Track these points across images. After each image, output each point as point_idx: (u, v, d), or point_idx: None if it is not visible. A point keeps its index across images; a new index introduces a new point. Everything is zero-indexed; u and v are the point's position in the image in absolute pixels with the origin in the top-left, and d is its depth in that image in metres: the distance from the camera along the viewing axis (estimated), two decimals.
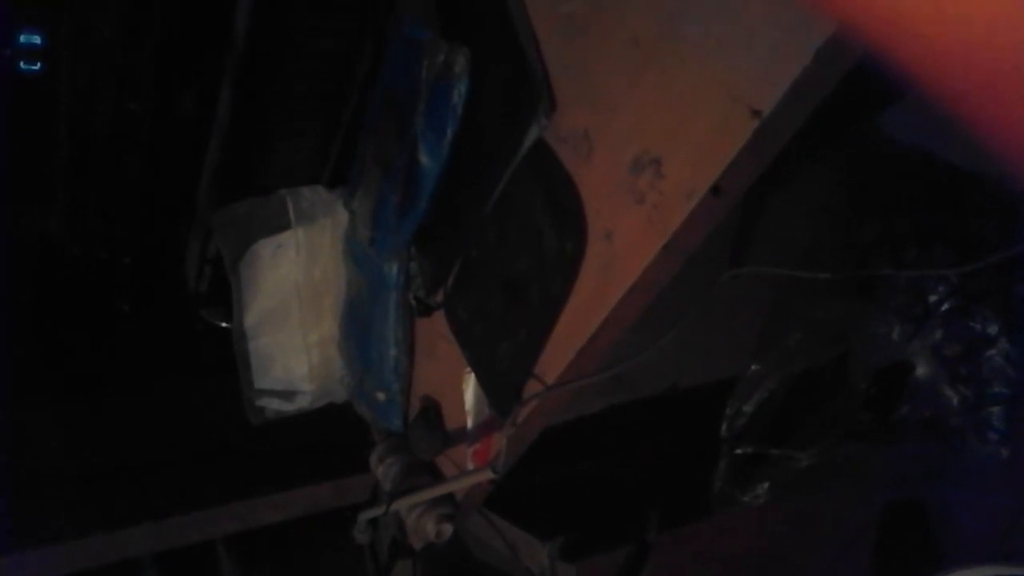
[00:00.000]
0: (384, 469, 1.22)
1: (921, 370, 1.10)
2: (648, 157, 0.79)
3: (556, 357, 0.95)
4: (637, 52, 0.78)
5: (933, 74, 0.26)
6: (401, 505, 1.18)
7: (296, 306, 1.28)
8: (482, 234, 1.00)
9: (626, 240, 0.83)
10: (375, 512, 1.23)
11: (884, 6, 0.25)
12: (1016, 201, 1.15)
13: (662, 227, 0.79)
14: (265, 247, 1.24)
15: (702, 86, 0.72)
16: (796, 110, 0.68)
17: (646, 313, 0.89)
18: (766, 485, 1.10)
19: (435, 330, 1.16)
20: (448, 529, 1.16)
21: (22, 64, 0.91)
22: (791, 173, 1.23)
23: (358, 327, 1.25)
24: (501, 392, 1.02)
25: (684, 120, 0.74)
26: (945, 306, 1.08)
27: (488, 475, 1.00)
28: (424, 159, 0.97)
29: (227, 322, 1.31)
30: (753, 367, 1.12)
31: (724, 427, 1.13)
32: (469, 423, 1.12)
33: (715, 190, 0.74)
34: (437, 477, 1.22)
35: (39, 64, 0.91)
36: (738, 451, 1.13)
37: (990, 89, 0.26)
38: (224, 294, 1.27)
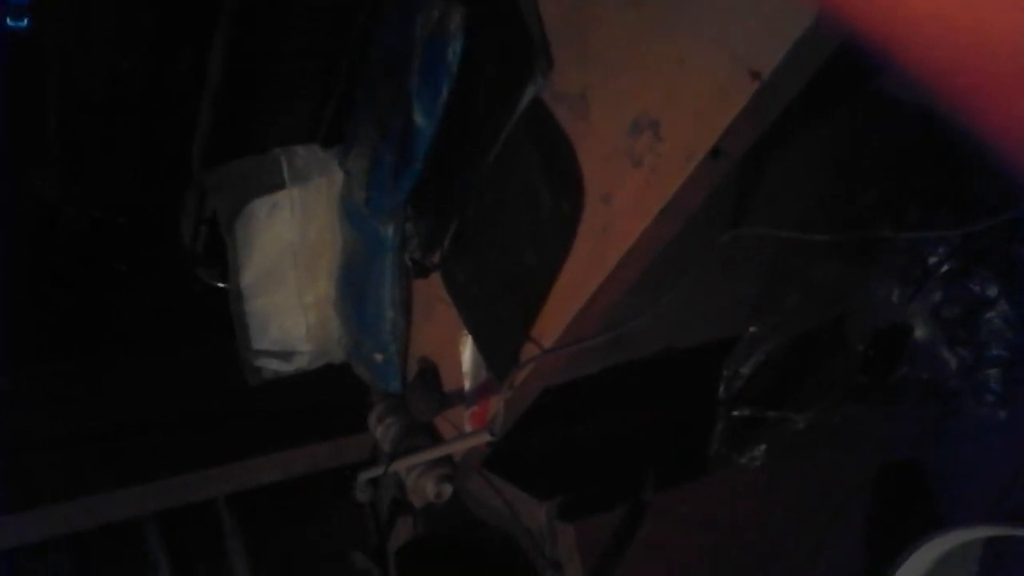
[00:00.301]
0: (383, 430, 1.23)
1: (919, 332, 1.10)
2: (647, 119, 0.78)
3: (553, 320, 0.95)
4: (637, 13, 0.77)
5: (936, 72, 0.27)
6: (400, 466, 1.19)
7: (292, 266, 1.27)
8: (479, 195, 0.99)
9: (624, 203, 0.82)
10: (375, 472, 1.24)
11: (887, 7, 0.25)
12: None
13: (660, 190, 0.78)
14: (260, 207, 1.22)
15: (702, 48, 0.71)
16: (797, 72, 0.67)
17: (644, 275, 0.89)
18: (763, 447, 1.11)
19: (432, 291, 1.16)
20: (447, 489, 1.17)
21: (8, 20, 0.89)
22: (792, 133, 1.21)
23: (354, 288, 1.24)
24: (498, 355, 1.02)
25: (683, 82, 0.73)
26: (945, 268, 1.07)
27: (485, 438, 1.01)
28: (419, 119, 0.96)
29: (224, 282, 1.30)
30: (751, 329, 1.12)
31: (721, 389, 1.13)
32: (467, 385, 1.12)
33: (715, 152, 0.73)
34: (435, 438, 1.22)
35: (26, 20, 0.89)
36: (735, 413, 1.13)
37: (992, 85, 0.26)
38: (221, 254, 1.26)
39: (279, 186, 1.21)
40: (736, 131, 0.70)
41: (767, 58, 0.66)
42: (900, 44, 0.26)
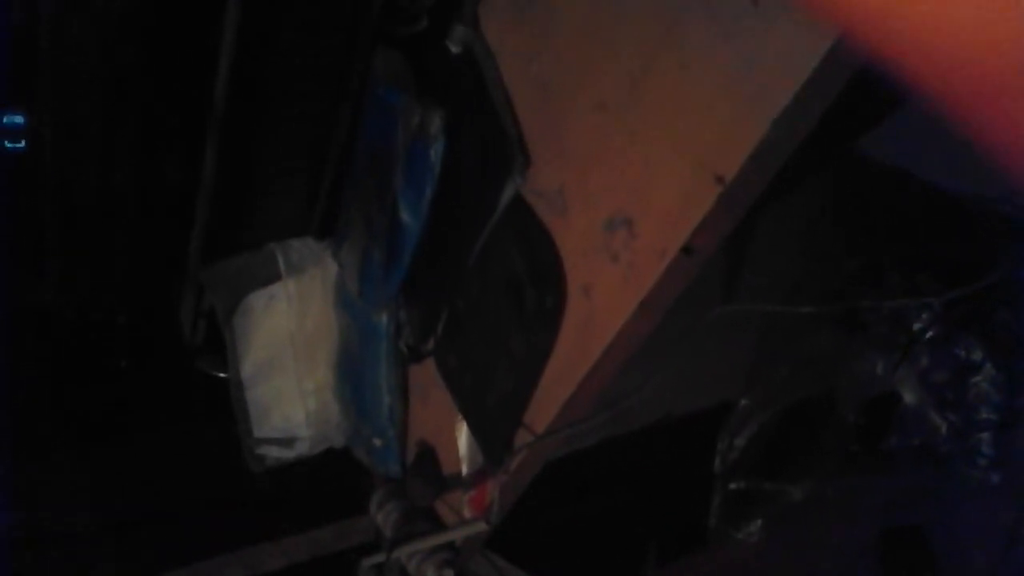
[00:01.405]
0: (383, 516, 1.24)
1: (909, 398, 1.11)
2: (620, 217, 0.80)
3: (544, 406, 0.97)
4: (604, 115, 0.79)
5: (933, 80, 0.26)
6: (402, 552, 1.20)
7: (291, 355, 1.30)
8: (466, 287, 1.01)
9: (604, 296, 0.84)
10: (377, 559, 1.24)
11: (883, 11, 0.26)
12: (996, 221, 1.16)
13: (638, 284, 0.80)
14: (257, 299, 1.25)
15: (667, 151, 0.74)
16: (758, 175, 0.69)
17: (635, 355, 0.91)
18: (759, 521, 1.11)
19: (428, 375, 1.17)
20: (449, 575, 1.17)
21: (6, 143, 0.93)
22: (777, 198, 1.24)
23: (352, 374, 1.26)
24: (492, 441, 1.04)
25: (652, 183, 0.76)
26: (929, 333, 1.09)
27: (481, 527, 1.02)
28: (405, 217, 0.98)
29: (224, 372, 1.32)
30: (743, 401, 1.13)
31: (717, 461, 1.14)
32: (464, 469, 1.13)
33: (686, 250, 0.75)
34: (436, 522, 1.23)
35: (23, 142, 0.93)
36: (732, 486, 1.13)
37: (992, 94, 0.26)
38: (220, 345, 1.29)
39: (275, 278, 1.24)
40: (705, 230, 0.72)
41: (729, 162, 0.68)
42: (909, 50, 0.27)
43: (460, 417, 1.11)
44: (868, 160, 1.28)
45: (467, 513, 1.14)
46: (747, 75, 0.65)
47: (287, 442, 1.36)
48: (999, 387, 1.08)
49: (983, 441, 1.10)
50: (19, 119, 0.92)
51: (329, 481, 1.44)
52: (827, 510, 1.14)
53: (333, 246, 1.21)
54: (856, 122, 1.27)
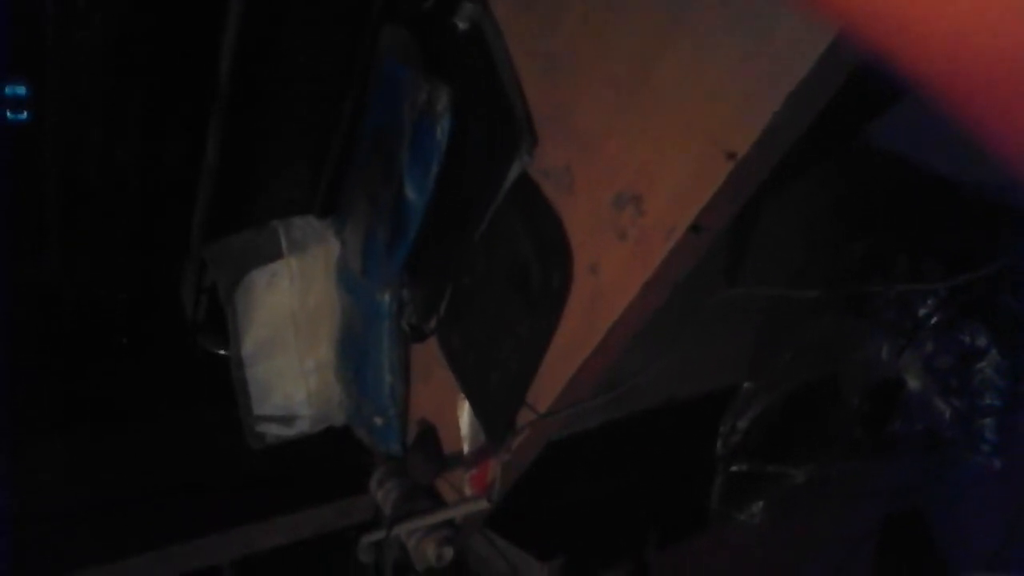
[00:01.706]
0: (384, 494, 1.24)
1: (913, 383, 1.10)
2: (629, 194, 0.79)
3: (548, 385, 0.97)
4: (615, 92, 0.79)
5: (935, 74, 0.26)
6: (401, 529, 1.19)
7: (292, 333, 1.29)
8: (471, 265, 1.01)
9: (611, 274, 0.84)
10: (377, 536, 1.24)
11: (886, 5, 0.25)
12: (1001, 209, 1.15)
13: (645, 262, 0.79)
14: (259, 277, 1.24)
15: (679, 127, 0.73)
16: (770, 152, 0.68)
17: (639, 336, 0.90)
18: (761, 503, 1.11)
19: (430, 353, 1.17)
20: (448, 553, 1.17)
21: (8, 114, 0.92)
22: (783, 185, 1.23)
23: (354, 353, 1.26)
24: (494, 420, 1.03)
25: (662, 160, 0.75)
26: (934, 319, 1.08)
27: (483, 505, 1.02)
28: (410, 194, 0.98)
29: (225, 350, 1.32)
30: (746, 384, 1.13)
31: (719, 444, 1.14)
32: (465, 448, 1.13)
33: (695, 228, 0.75)
34: (436, 500, 1.23)
35: (25, 113, 0.92)
36: (733, 468, 1.13)
37: (995, 88, 0.25)
38: (221, 323, 1.28)
39: (277, 256, 1.24)
40: (714, 208, 0.72)
41: (742, 139, 0.68)
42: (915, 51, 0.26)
43: (462, 396, 1.11)
44: (873, 148, 1.27)
45: (468, 491, 1.14)
46: (761, 51, 0.65)
47: (287, 420, 1.36)
48: (1003, 373, 1.08)
49: (987, 427, 1.10)
50: (22, 90, 0.91)
51: (330, 459, 1.44)
52: (829, 494, 1.14)
53: (336, 224, 1.21)
54: (861, 110, 1.27)
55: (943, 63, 0.26)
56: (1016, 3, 0.23)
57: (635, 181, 0.79)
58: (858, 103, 1.19)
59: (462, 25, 0.93)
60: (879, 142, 1.28)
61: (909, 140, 1.22)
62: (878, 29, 0.26)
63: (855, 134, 1.29)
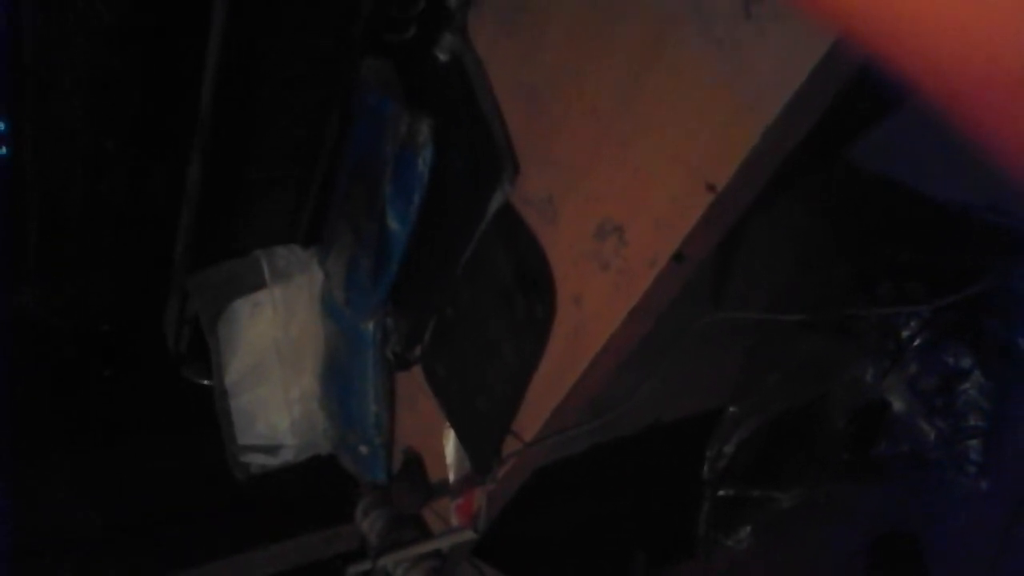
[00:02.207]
0: (369, 523, 1.23)
1: (898, 405, 1.11)
2: (611, 224, 0.80)
3: (533, 414, 0.96)
4: (596, 122, 0.79)
5: (934, 77, 0.26)
6: (388, 560, 1.19)
7: (276, 363, 1.28)
8: (456, 294, 1.01)
9: (594, 304, 0.84)
10: (363, 566, 1.23)
11: (886, 9, 0.25)
12: (984, 230, 1.16)
13: (628, 293, 0.79)
14: (242, 306, 1.24)
15: (659, 158, 0.73)
16: (750, 183, 0.69)
17: (624, 362, 0.90)
18: (748, 528, 1.11)
19: (415, 382, 1.17)
20: None
21: None
22: (767, 206, 1.24)
23: (338, 382, 1.25)
24: (480, 449, 1.03)
25: (643, 190, 0.75)
26: (918, 341, 1.09)
27: (469, 535, 1.01)
28: (393, 224, 0.98)
29: (209, 380, 1.31)
30: (732, 408, 1.13)
31: (706, 469, 1.14)
32: (451, 476, 1.12)
33: (678, 257, 0.75)
34: (422, 529, 1.22)
35: (4, 149, 0.92)
36: (720, 493, 1.13)
37: (993, 93, 0.25)
38: (205, 353, 1.27)
39: (260, 286, 1.23)
40: (696, 238, 0.72)
41: (722, 170, 0.68)
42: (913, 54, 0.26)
43: (447, 425, 1.10)
44: (857, 169, 1.28)
45: (454, 521, 1.13)
46: (739, 84, 0.65)
47: (272, 450, 1.35)
48: (987, 394, 1.08)
49: (972, 448, 1.10)
50: (1, 125, 0.91)
51: (315, 488, 1.43)
52: (817, 517, 1.14)
53: (320, 253, 1.20)
54: (844, 129, 1.27)
55: (944, 67, 0.25)
56: (1019, 6, 0.23)
57: (617, 211, 0.79)
58: (840, 123, 1.20)
59: (443, 57, 0.93)
60: (862, 162, 1.28)
61: (892, 160, 1.23)
62: (878, 32, 0.26)
63: (837, 153, 1.30)
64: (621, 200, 0.78)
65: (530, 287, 0.89)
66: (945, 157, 1.21)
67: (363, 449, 1.27)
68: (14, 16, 0.83)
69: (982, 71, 0.25)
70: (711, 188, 0.69)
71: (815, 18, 0.28)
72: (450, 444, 1.12)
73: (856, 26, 0.27)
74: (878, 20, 0.26)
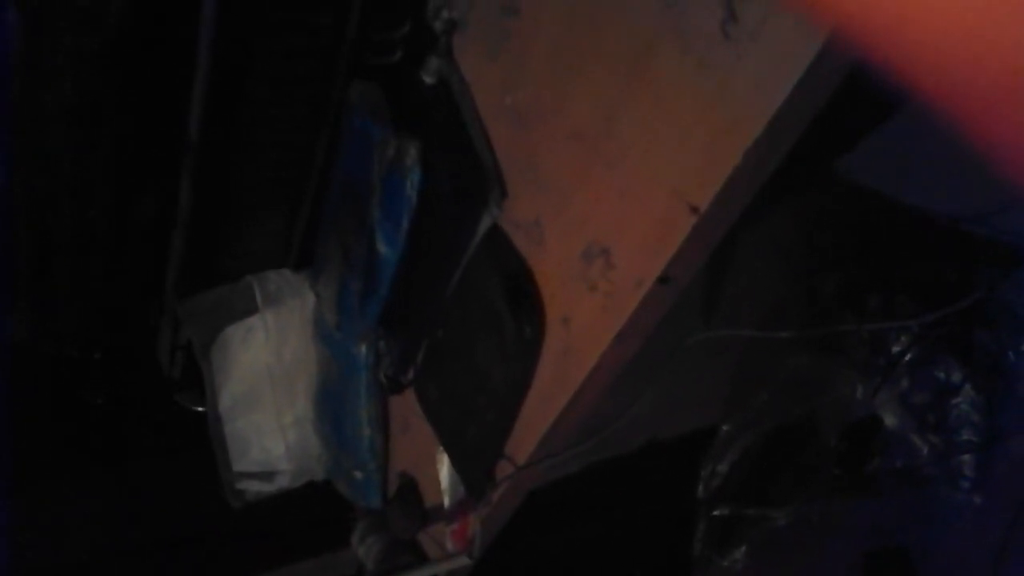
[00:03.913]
0: (365, 549, 1.22)
1: (890, 420, 1.11)
2: (598, 247, 0.80)
3: (525, 437, 0.96)
4: (580, 146, 0.79)
5: (934, 80, 0.25)
6: None
7: (269, 388, 1.28)
8: (446, 317, 1.01)
9: (582, 326, 0.84)
10: None
11: (884, 11, 0.25)
12: (972, 242, 1.16)
13: (616, 314, 0.80)
14: (234, 332, 1.24)
15: (643, 181, 0.74)
16: (733, 204, 0.69)
17: (616, 382, 0.90)
18: (744, 548, 1.11)
19: (407, 405, 1.17)
20: None
21: None
22: (754, 222, 1.24)
23: (331, 406, 1.25)
24: (473, 473, 1.03)
25: (628, 213, 0.76)
26: (908, 356, 1.09)
27: (464, 561, 1.01)
28: (382, 248, 0.98)
29: (202, 406, 1.31)
30: (724, 427, 1.13)
31: (700, 488, 1.14)
32: (446, 501, 1.12)
33: (663, 279, 0.75)
34: (419, 554, 1.22)
35: None
36: (715, 512, 1.13)
37: (990, 95, 0.25)
38: (197, 379, 1.27)
39: (252, 311, 1.23)
40: (681, 260, 0.72)
41: (704, 192, 0.68)
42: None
43: (440, 448, 1.10)
44: (844, 183, 1.28)
45: (450, 546, 1.13)
46: (720, 106, 0.65)
47: (267, 476, 1.34)
48: (979, 408, 1.08)
49: (965, 463, 1.10)
50: None
51: (311, 514, 1.42)
52: (811, 534, 1.13)
53: (311, 277, 1.20)
54: (833, 142, 1.28)
55: (942, 68, 0.25)
56: (1018, 6, 0.22)
57: (603, 233, 0.79)
58: (830, 137, 1.20)
59: (429, 80, 0.94)
60: (849, 175, 1.29)
61: (880, 172, 1.23)
62: (874, 32, 0.26)
63: (827, 168, 1.30)
64: (607, 222, 0.78)
65: (519, 308, 0.89)
66: (933, 169, 1.21)
67: (357, 474, 1.27)
68: (2, 44, 0.84)
69: (986, 72, 0.24)
70: (694, 210, 0.69)
71: (810, 17, 0.27)
72: (444, 468, 1.11)
73: (852, 25, 0.26)
74: (874, 19, 0.25)
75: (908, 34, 0.25)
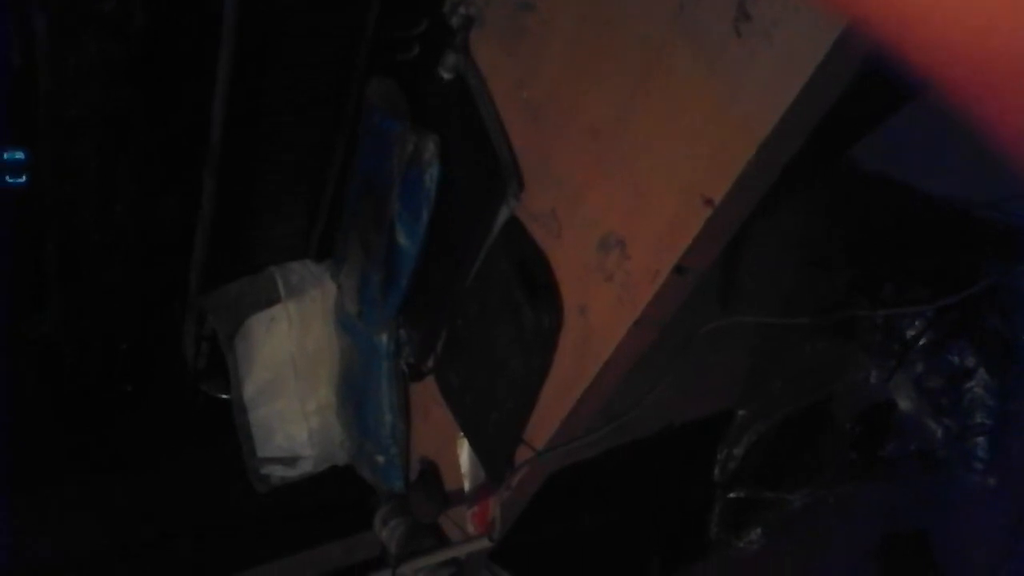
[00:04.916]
0: (388, 532, 1.25)
1: (904, 404, 1.12)
2: (614, 238, 0.81)
3: (544, 423, 0.98)
4: (595, 140, 0.81)
5: (946, 68, 0.25)
6: (407, 568, 1.21)
7: (292, 376, 1.31)
8: (465, 307, 1.03)
9: (599, 315, 0.86)
10: (382, 574, 1.25)
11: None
12: (984, 228, 1.17)
13: (632, 304, 0.81)
14: (258, 322, 1.26)
15: (658, 174, 0.75)
16: (747, 197, 0.70)
17: (634, 366, 0.92)
18: (759, 530, 1.13)
19: (428, 392, 1.19)
20: None
21: (8, 178, 0.94)
22: (769, 210, 1.25)
23: (354, 394, 1.28)
24: (493, 458, 1.05)
25: (643, 205, 0.77)
26: (923, 341, 1.10)
27: (484, 544, 1.03)
28: (402, 240, 1.00)
29: (227, 394, 1.34)
30: (741, 412, 1.15)
31: (716, 471, 1.16)
32: (466, 485, 1.14)
33: (679, 270, 0.77)
34: (440, 537, 1.24)
35: (24, 177, 0.95)
36: (732, 495, 1.15)
37: (1001, 83, 0.25)
38: (222, 368, 1.30)
39: (275, 301, 1.26)
40: (696, 251, 0.74)
41: (718, 184, 0.70)
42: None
43: (461, 434, 1.13)
44: (858, 169, 1.29)
45: (470, 529, 1.15)
46: (733, 102, 0.67)
47: (291, 461, 1.37)
48: (992, 392, 1.09)
49: (979, 445, 1.11)
50: (20, 155, 0.94)
51: (334, 498, 1.45)
52: (827, 517, 1.15)
53: (332, 268, 1.23)
54: (848, 131, 1.28)
55: (959, 58, 0.25)
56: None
57: (619, 225, 0.81)
58: (846, 126, 1.21)
59: (446, 75, 0.95)
60: (863, 162, 1.30)
61: (893, 159, 1.24)
62: (891, 23, 0.26)
63: (839, 156, 1.31)
64: (622, 215, 0.80)
65: (537, 298, 0.91)
66: (946, 157, 1.22)
67: (380, 459, 1.29)
68: (30, 51, 0.86)
69: (1001, 59, 0.24)
70: (709, 202, 0.70)
71: (827, 7, 0.27)
72: (464, 453, 1.14)
73: (869, 12, 0.26)
74: (891, 6, 0.25)
75: (928, 22, 0.25)
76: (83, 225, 0.99)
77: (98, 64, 0.85)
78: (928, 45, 0.25)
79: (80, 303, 1.09)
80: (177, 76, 0.93)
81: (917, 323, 1.11)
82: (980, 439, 1.12)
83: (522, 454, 1.02)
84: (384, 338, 1.17)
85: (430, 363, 1.14)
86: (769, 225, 1.23)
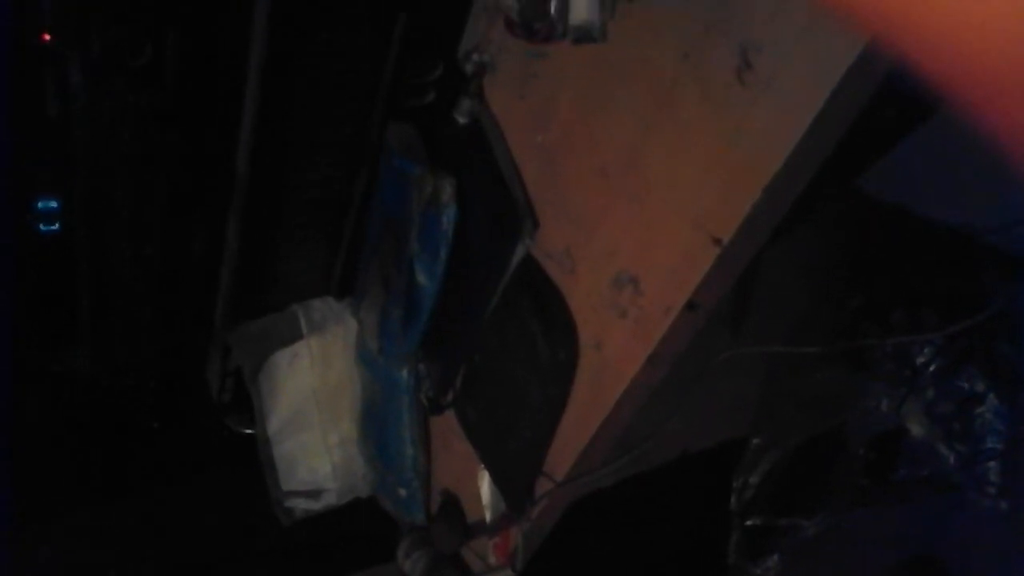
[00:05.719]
0: (411, 564, 1.27)
1: (916, 430, 1.14)
2: (626, 276, 0.84)
3: (563, 454, 1.01)
4: (607, 180, 0.84)
5: (962, 79, 0.26)
6: None
7: (315, 410, 1.34)
8: (483, 342, 1.06)
9: (614, 350, 0.88)
10: None
11: (913, 12, 0.25)
12: (992, 256, 1.19)
13: (645, 339, 0.84)
14: (281, 358, 1.30)
15: (667, 214, 0.78)
16: (755, 236, 0.73)
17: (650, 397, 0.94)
18: (776, 556, 1.14)
19: (448, 425, 1.21)
20: None
21: (42, 226, 0.98)
22: (779, 237, 1.27)
23: (375, 427, 1.31)
24: (514, 490, 1.07)
25: (654, 244, 0.80)
26: (932, 367, 1.12)
27: (508, 573, 1.05)
28: (421, 279, 1.03)
29: (251, 429, 1.37)
30: (755, 440, 1.17)
31: (733, 500, 1.17)
32: (487, 516, 1.17)
33: (691, 306, 0.79)
34: (463, 568, 1.26)
35: (57, 224, 0.99)
36: (748, 523, 1.16)
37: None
38: (246, 403, 1.33)
39: (298, 337, 1.29)
40: (707, 287, 0.77)
41: (726, 225, 0.73)
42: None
43: (481, 466, 1.15)
44: (865, 196, 1.31)
45: (492, 559, 1.17)
46: (737, 146, 0.70)
47: (314, 494, 1.40)
48: (1002, 417, 1.11)
49: (990, 470, 1.13)
50: (54, 203, 0.98)
51: (357, 530, 1.48)
52: (842, 542, 1.16)
53: (353, 305, 1.26)
54: (859, 160, 1.31)
55: (979, 74, 0.25)
56: None
57: (632, 263, 0.83)
58: (850, 155, 1.24)
59: (461, 119, 0.99)
60: (872, 190, 1.32)
61: (900, 186, 1.26)
62: (912, 38, 0.26)
63: (848, 184, 1.33)
64: (635, 253, 0.83)
65: (553, 334, 0.94)
66: (954, 182, 1.24)
67: (402, 491, 1.32)
68: (65, 102, 0.90)
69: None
70: (717, 242, 0.73)
71: (850, 20, 0.27)
72: (485, 485, 1.16)
73: (890, 28, 0.27)
74: (913, 21, 0.26)
75: (949, 33, 0.25)
76: (115, 266, 1.03)
77: (131, 114, 0.89)
78: (949, 57, 0.26)
79: (111, 340, 1.12)
80: (205, 123, 0.97)
81: (927, 350, 1.13)
82: (992, 463, 1.13)
83: (542, 485, 1.04)
84: (404, 373, 1.20)
85: (449, 397, 1.17)
86: (778, 254, 1.25)
